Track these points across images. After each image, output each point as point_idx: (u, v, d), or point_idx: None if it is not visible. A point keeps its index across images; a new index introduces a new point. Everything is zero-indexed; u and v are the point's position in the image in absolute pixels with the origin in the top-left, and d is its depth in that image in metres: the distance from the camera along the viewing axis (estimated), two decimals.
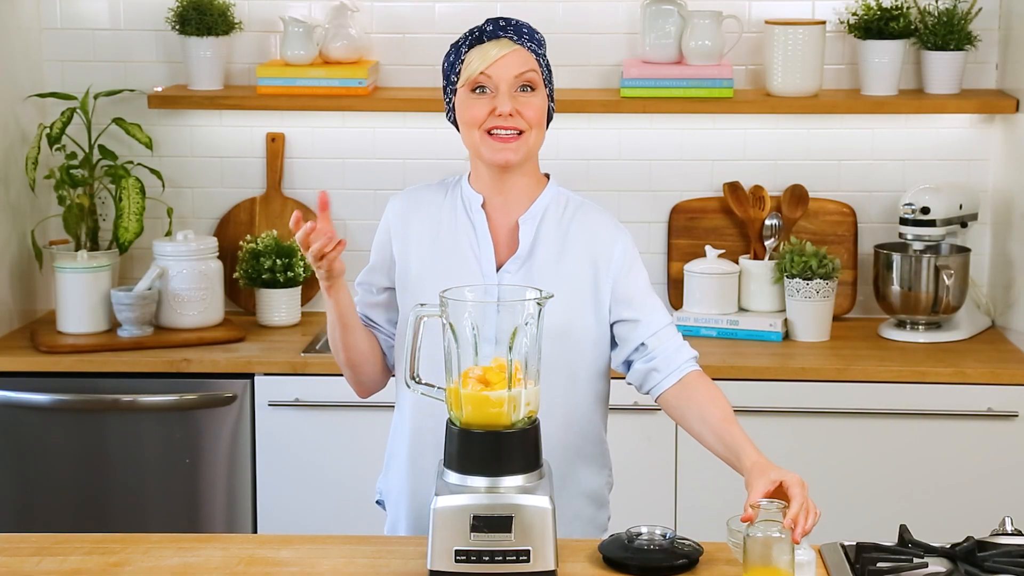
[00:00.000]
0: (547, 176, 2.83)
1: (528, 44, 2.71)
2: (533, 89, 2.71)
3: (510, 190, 2.77)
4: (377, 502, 2.95)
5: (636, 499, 3.90)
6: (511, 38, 2.70)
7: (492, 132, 2.70)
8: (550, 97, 2.76)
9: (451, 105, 2.77)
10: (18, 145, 4.29)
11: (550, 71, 2.76)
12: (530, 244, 2.75)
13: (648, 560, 2.51)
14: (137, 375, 3.98)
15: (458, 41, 2.74)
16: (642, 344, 2.77)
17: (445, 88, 2.77)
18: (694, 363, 2.78)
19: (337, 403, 3.92)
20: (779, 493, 2.48)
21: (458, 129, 2.77)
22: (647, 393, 2.79)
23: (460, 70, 2.72)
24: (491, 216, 2.78)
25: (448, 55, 2.76)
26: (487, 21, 2.73)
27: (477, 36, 2.71)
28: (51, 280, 4.25)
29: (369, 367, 2.84)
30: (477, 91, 2.70)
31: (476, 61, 2.69)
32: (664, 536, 2.56)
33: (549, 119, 2.78)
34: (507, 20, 2.73)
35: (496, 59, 2.68)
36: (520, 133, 2.70)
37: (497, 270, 2.75)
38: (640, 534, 2.56)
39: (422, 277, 2.76)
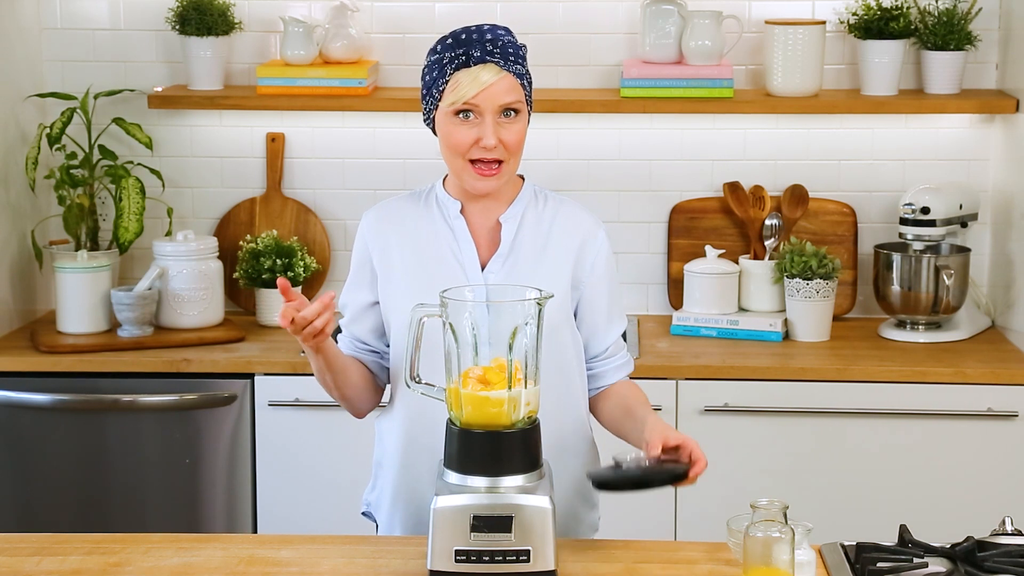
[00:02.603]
0: (521, 177, 2.84)
1: (514, 67, 2.68)
2: (516, 113, 2.70)
3: (488, 197, 2.78)
4: (364, 514, 2.94)
5: (636, 499, 3.89)
6: (498, 63, 2.66)
7: (474, 162, 2.70)
8: (530, 110, 2.76)
9: (431, 116, 2.75)
10: (18, 145, 4.29)
11: (530, 84, 2.75)
12: (511, 241, 2.76)
13: (641, 477, 2.54)
14: (137, 375, 3.98)
15: (442, 56, 2.68)
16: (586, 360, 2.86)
17: (424, 96, 2.75)
18: (625, 376, 2.90)
19: (337, 403, 3.91)
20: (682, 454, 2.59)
21: (435, 133, 2.76)
22: None
23: (444, 89, 2.68)
24: (470, 219, 2.79)
25: (432, 68, 2.71)
26: (473, 42, 2.66)
27: (464, 60, 2.66)
28: (51, 280, 4.25)
29: (364, 395, 2.85)
30: (461, 116, 2.68)
31: (463, 87, 2.65)
32: (648, 461, 2.58)
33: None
34: (492, 40, 2.67)
35: (483, 89, 2.65)
36: (500, 163, 2.70)
37: (481, 270, 2.75)
38: (626, 459, 2.57)
39: (406, 289, 2.75)
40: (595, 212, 2.88)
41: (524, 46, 2.74)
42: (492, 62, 2.66)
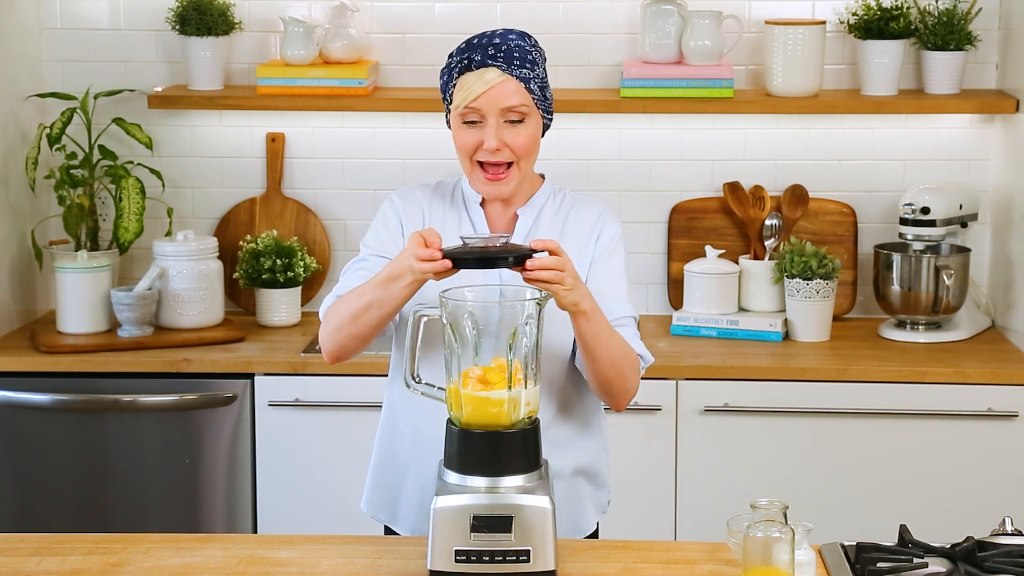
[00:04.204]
0: (542, 176, 2.86)
1: (518, 72, 2.70)
2: (523, 117, 2.71)
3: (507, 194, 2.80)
4: (389, 532, 2.93)
5: (636, 499, 3.90)
6: (500, 67, 2.69)
7: (483, 165, 2.72)
8: (546, 112, 2.77)
9: (448, 118, 2.79)
10: (18, 145, 4.29)
11: (544, 88, 2.75)
12: (526, 234, 2.79)
13: (483, 253, 2.51)
14: (137, 375, 3.98)
15: (451, 61, 2.73)
16: None
17: (443, 100, 2.80)
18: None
19: (337, 403, 3.92)
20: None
21: None
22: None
23: (452, 93, 2.73)
24: (490, 213, 2.82)
25: (443, 73, 2.76)
26: (477, 46, 2.70)
27: (466, 64, 2.70)
28: (51, 280, 4.25)
29: (370, 341, 2.76)
30: (467, 123, 2.72)
31: (464, 90, 2.69)
32: (498, 238, 2.56)
33: (545, 129, 2.80)
34: (497, 46, 2.70)
35: (484, 91, 2.68)
36: (508, 166, 2.72)
37: None
38: (474, 236, 2.57)
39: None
40: (611, 209, 2.88)
41: (537, 49, 2.75)
42: (494, 66, 2.69)
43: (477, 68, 2.69)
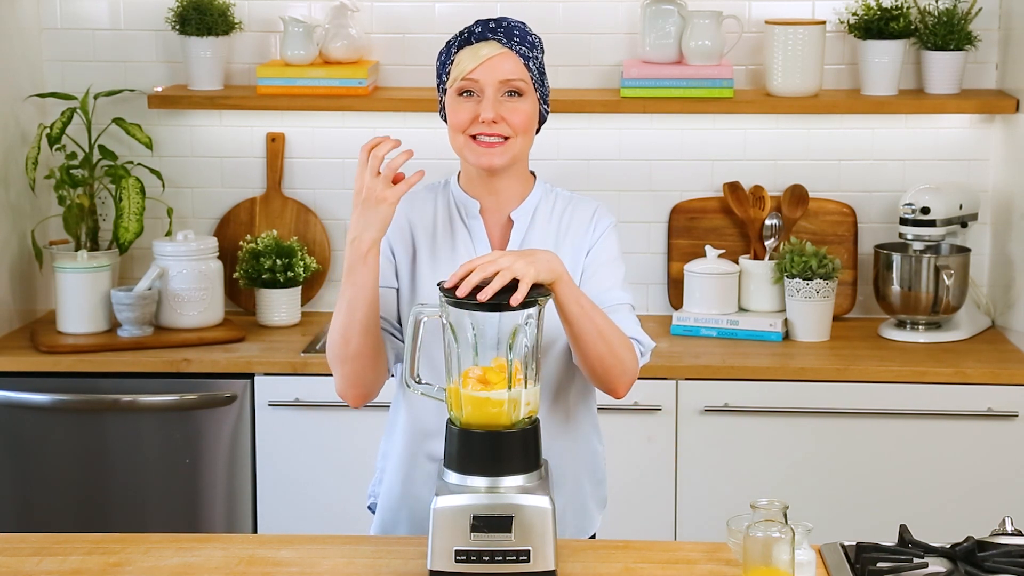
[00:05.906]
0: (533, 174, 2.83)
1: (518, 48, 2.68)
2: (520, 95, 2.69)
3: (500, 191, 2.77)
4: (369, 507, 2.93)
5: (636, 499, 3.90)
6: (500, 40, 2.67)
7: (476, 137, 2.69)
8: (543, 100, 2.75)
9: (443, 104, 2.76)
10: (18, 145, 4.29)
11: (542, 74, 2.74)
12: (522, 238, 2.76)
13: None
14: (137, 375, 3.98)
15: (450, 40, 2.73)
16: None
17: (438, 86, 2.77)
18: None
19: (337, 403, 3.91)
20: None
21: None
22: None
23: (450, 70, 2.71)
24: (484, 217, 2.78)
25: (440, 53, 2.75)
26: (477, 22, 2.70)
27: (466, 37, 2.69)
28: (51, 280, 4.26)
29: (377, 361, 2.71)
30: (464, 95, 2.69)
31: (463, 63, 2.67)
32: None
33: (542, 122, 2.78)
34: (498, 21, 2.70)
35: (481, 62, 2.65)
36: (505, 139, 2.69)
37: None
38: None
39: (420, 283, 2.75)
40: (606, 205, 2.86)
41: (537, 37, 2.74)
42: (494, 39, 2.68)
43: (477, 41, 2.68)
